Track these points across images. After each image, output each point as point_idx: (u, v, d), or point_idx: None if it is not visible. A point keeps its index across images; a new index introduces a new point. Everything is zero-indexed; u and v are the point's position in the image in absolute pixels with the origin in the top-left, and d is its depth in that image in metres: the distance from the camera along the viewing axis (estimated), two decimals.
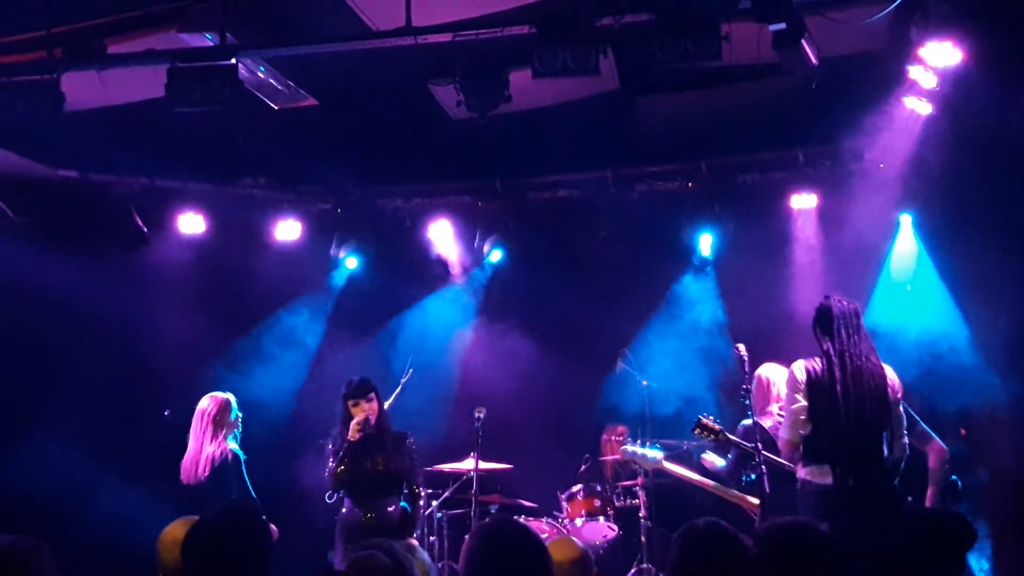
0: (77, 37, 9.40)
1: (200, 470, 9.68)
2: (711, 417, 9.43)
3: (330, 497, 9.75)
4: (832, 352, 8.17)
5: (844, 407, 8.02)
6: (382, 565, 4.68)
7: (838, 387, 8.05)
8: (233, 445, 9.82)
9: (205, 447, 9.75)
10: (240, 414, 10.06)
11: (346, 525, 9.53)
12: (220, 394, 10.06)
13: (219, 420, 9.87)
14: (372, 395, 9.70)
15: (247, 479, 9.69)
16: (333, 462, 9.58)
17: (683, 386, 12.26)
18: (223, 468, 9.65)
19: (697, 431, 9.41)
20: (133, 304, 12.36)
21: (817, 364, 8.20)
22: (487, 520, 9.08)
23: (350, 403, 9.68)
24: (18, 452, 11.27)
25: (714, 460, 10.05)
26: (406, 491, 9.73)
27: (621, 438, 12.30)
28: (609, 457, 12.49)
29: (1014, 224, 11.09)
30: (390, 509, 9.53)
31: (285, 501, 11.08)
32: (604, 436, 12.70)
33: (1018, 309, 11.13)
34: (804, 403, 8.18)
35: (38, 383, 12.05)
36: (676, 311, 12.98)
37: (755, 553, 4.96)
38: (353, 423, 9.51)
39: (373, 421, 9.62)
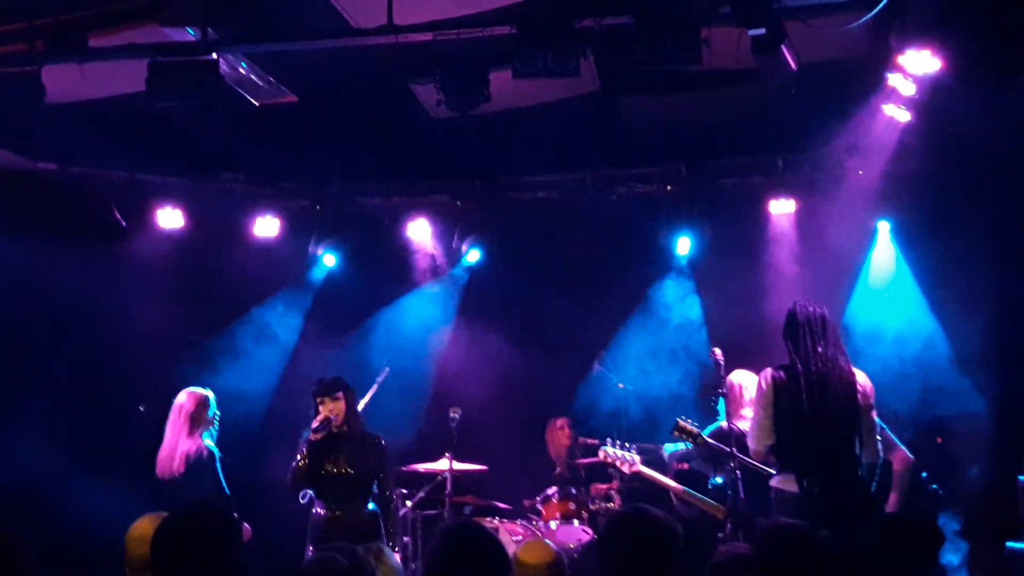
0: (58, 30, 9.35)
1: (175, 466, 9.61)
2: (689, 420, 9.45)
3: (303, 497, 9.67)
4: (797, 360, 8.18)
5: (810, 415, 8.03)
6: (338, 567, 4.66)
7: (803, 395, 8.06)
8: (209, 442, 9.75)
9: (181, 443, 9.67)
10: (218, 412, 10.00)
11: (313, 526, 9.46)
12: (198, 390, 9.98)
13: (196, 416, 9.78)
14: (340, 394, 9.54)
15: (222, 476, 9.63)
16: (295, 461, 9.49)
17: (659, 389, 12.29)
18: (198, 465, 9.58)
19: (676, 433, 9.41)
20: (110, 298, 12.32)
21: (783, 373, 8.22)
22: (448, 521, 9.11)
23: (317, 401, 9.52)
24: None
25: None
26: (376, 493, 9.59)
27: (564, 430, 12.35)
28: (559, 452, 12.49)
29: (991, 230, 11.16)
30: (357, 511, 9.40)
31: (260, 498, 11.04)
32: (548, 430, 12.67)
33: (994, 315, 11.20)
34: (767, 413, 8.21)
35: (12, 375, 12.02)
36: (653, 314, 13.01)
37: (753, 555, 5.03)
38: (314, 422, 9.40)
39: (339, 420, 9.47)
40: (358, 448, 9.48)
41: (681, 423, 9.38)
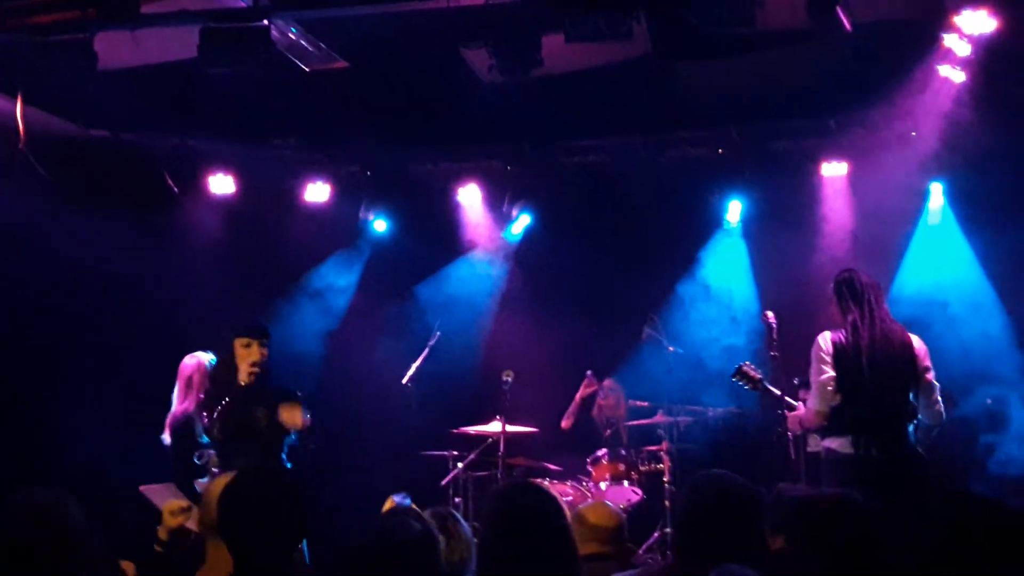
0: None
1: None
2: (752, 365, 9.37)
3: (199, 457, 8.62)
4: (858, 320, 8.15)
5: (870, 375, 8.02)
6: (410, 530, 4.48)
7: (863, 357, 8.04)
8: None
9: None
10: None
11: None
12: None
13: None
14: (268, 342, 8.45)
15: None
16: (206, 413, 8.41)
17: (710, 353, 12.27)
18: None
19: (736, 377, 9.33)
20: (162, 264, 12.38)
21: (843, 334, 8.19)
22: (504, 483, 9.03)
23: (240, 343, 8.39)
24: (51, 413, 11.32)
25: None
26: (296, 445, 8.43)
27: (613, 391, 12.43)
28: (604, 414, 12.59)
29: None
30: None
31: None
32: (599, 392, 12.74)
33: None
34: (832, 373, 8.17)
35: (68, 342, 12.10)
36: (705, 277, 12.99)
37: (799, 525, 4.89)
38: (247, 363, 8.32)
39: (262, 371, 8.38)
40: (277, 401, 8.22)
41: (744, 367, 9.29)
